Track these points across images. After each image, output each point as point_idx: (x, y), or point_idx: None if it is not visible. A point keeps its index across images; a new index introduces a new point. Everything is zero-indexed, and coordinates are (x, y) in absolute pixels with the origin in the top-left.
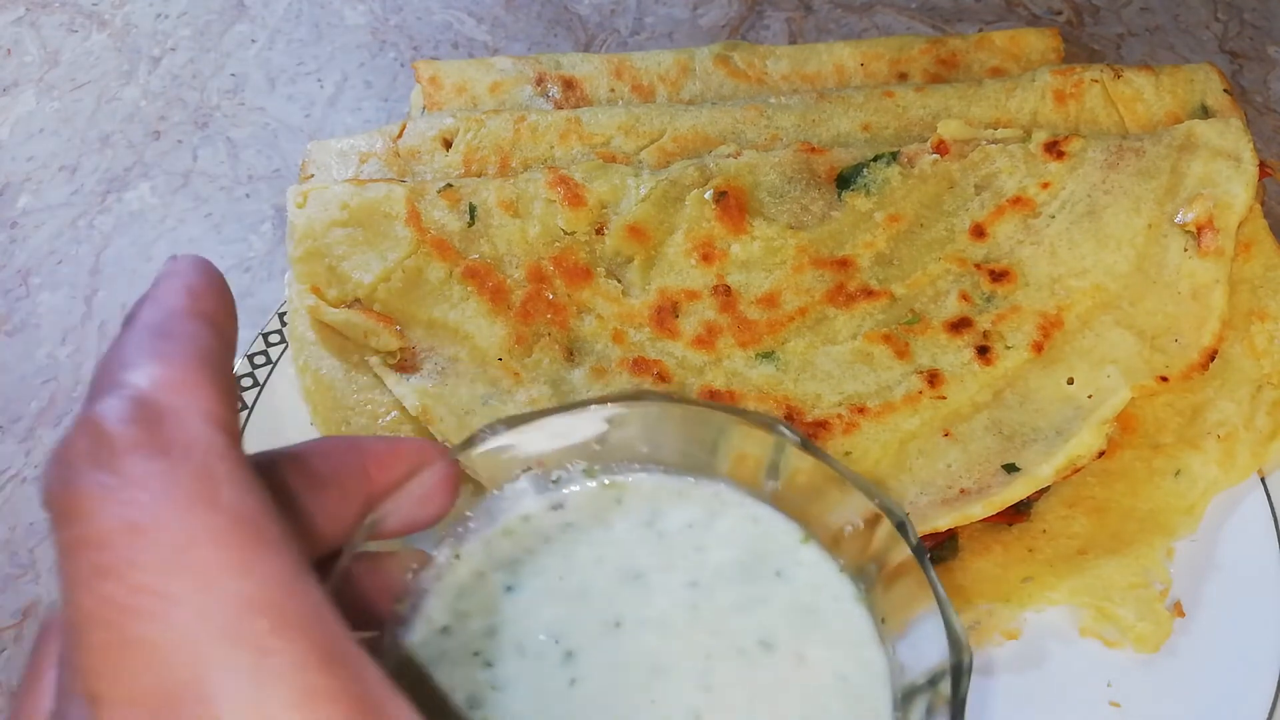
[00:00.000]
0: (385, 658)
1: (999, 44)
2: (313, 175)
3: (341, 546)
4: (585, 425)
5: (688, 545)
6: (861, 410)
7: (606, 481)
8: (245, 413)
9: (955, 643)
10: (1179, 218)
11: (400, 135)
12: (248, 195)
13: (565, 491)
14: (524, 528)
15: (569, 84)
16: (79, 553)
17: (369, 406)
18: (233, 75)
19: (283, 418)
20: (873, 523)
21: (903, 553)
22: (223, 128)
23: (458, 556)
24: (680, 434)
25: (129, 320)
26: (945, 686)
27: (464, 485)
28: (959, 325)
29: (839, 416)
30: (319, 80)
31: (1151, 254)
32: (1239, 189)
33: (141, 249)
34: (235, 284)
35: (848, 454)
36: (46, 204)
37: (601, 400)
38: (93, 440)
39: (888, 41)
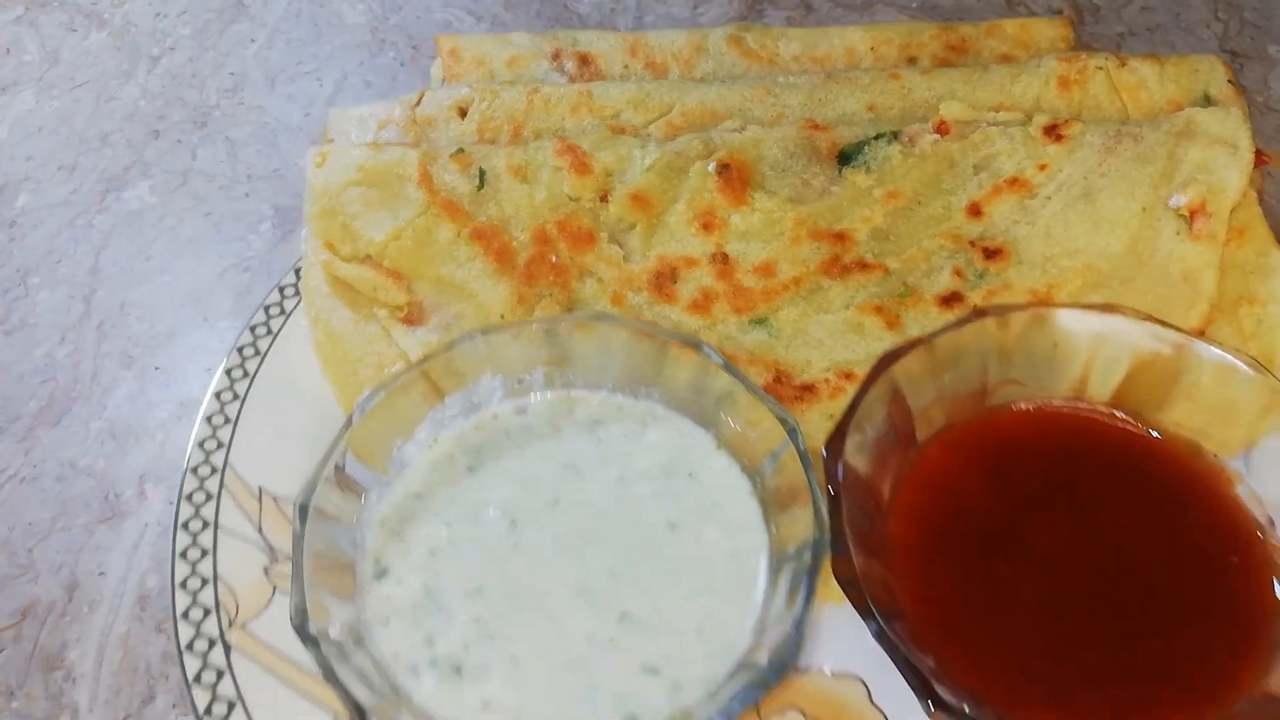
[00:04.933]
0: (369, 512)
1: (1009, 32)
2: (333, 140)
3: None
4: (549, 338)
5: (621, 450)
6: (849, 376)
7: (564, 393)
8: (258, 360)
9: (820, 524)
10: (1173, 202)
11: (418, 104)
12: (247, 195)
13: (529, 397)
14: (491, 424)
15: (584, 60)
16: None
17: (376, 358)
18: (232, 74)
19: (294, 367)
20: (772, 429)
21: (790, 454)
22: (222, 127)
23: (436, 440)
24: (628, 350)
25: None
26: (807, 557)
27: (443, 379)
28: (950, 299)
29: (826, 381)
30: (318, 79)
31: (1144, 237)
32: (1233, 175)
33: (140, 248)
34: (234, 283)
35: (832, 416)
36: (45, 203)
37: (564, 319)
38: None
39: (898, 26)
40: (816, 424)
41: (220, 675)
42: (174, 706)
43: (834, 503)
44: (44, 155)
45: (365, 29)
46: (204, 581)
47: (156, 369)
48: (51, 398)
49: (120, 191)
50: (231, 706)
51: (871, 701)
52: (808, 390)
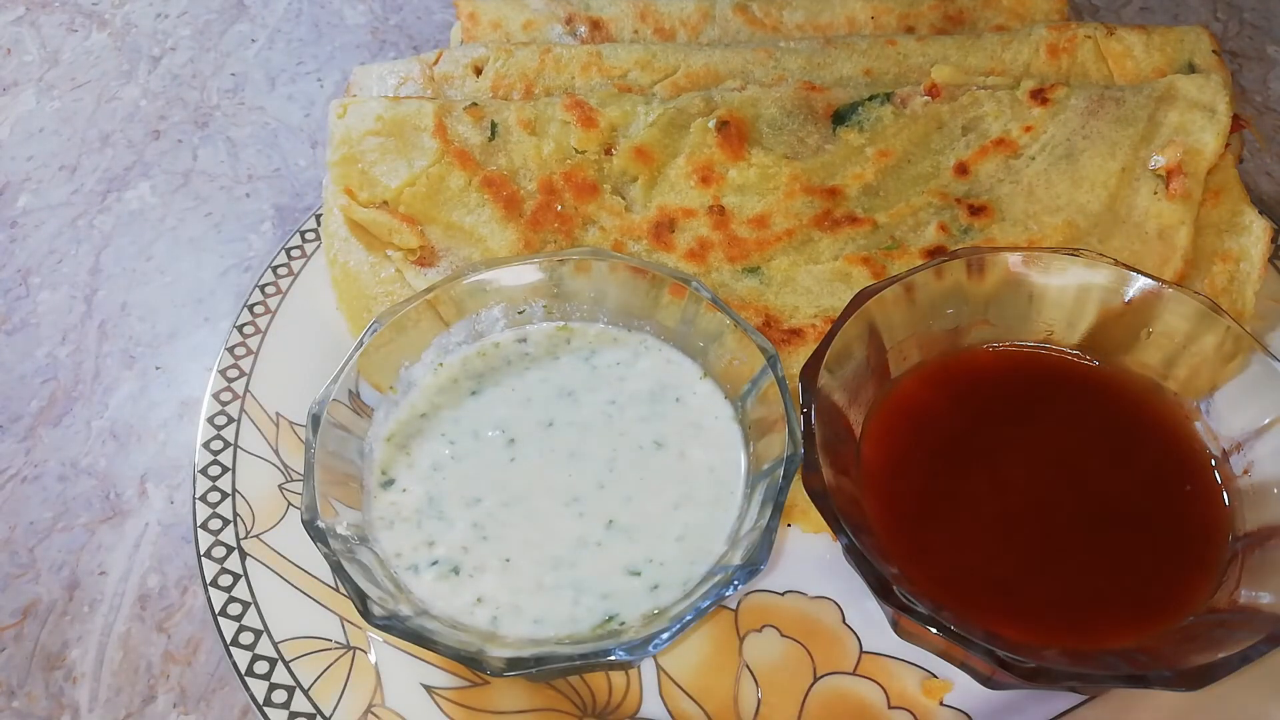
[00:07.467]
0: (378, 427)
1: (1005, 3)
2: (355, 95)
3: None
4: (547, 272)
5: (614, 376)
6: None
7: (561, 325)
8: (279, 298)
9: (793, 441)
10: (1151, 163)
11: (436, 62)
12: (248, 195)
13: (529, 327)
14: (493, 351)
15: (596, 24)
16: None
17: (389, 297)
18: (233, 75)
19: (313, 305)
20: (753, 357)
21: (770, 382)
22: (223, 127)
23: (441, 365)
24: (623, 286)
25: None
26: (780, 474)
27: (449, 308)
28: (934, 252)
29: (812, 326)
30: (319, 80)
31: (1123, 195)
32: (1210, 137)
33: (141, 248)
34: (235, 283)
35: None
36: (46, 203)
37: (564, 255)
38: None
39: None
40: (801, 365)
41: (236, 579)
42: (175, 706)
43: (808, 424)
44: (45, 156)
45: (365, 29)
46: (223, 495)
47: (158, 369)
48: (53, 397)
49: (121, 192)
50: (246, 607)
51: (844, 623)
52: (795, 334)
